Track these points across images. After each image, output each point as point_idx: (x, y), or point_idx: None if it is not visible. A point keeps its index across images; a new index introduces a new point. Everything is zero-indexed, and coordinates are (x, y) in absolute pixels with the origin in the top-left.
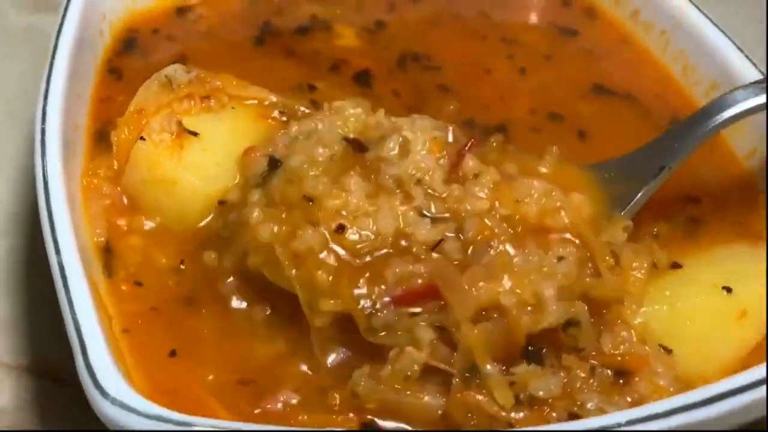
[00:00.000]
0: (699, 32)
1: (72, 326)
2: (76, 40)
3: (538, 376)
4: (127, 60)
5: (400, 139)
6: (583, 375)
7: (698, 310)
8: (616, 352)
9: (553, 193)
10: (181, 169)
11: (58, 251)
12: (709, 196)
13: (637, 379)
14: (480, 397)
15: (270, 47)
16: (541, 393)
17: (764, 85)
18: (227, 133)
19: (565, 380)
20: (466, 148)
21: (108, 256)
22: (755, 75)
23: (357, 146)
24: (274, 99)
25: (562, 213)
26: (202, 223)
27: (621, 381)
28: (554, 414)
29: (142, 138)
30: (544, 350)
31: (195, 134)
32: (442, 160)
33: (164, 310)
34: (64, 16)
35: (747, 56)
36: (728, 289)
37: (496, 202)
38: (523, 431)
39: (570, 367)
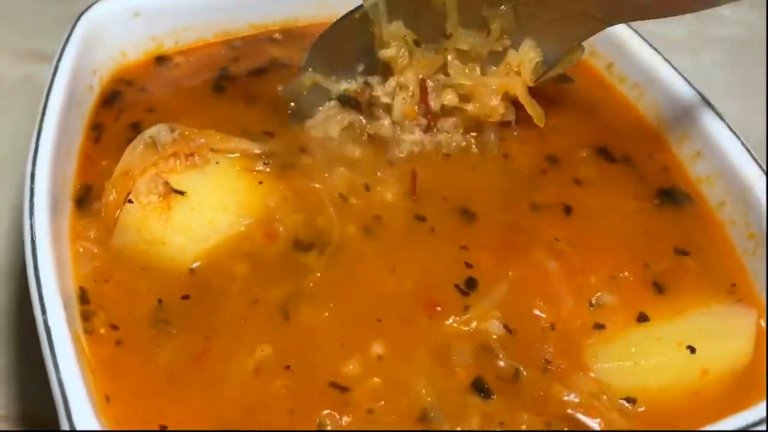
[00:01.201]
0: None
1: (57, 387)
2: (66, 97)
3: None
4: (105, 115)
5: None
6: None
7: (662, 367)
8: (572, 401)
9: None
10: (170, 231)
11: (44, 311)
12: (699, 252)
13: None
14: None
15: (231, 93)
16: None
17: None
18: (213, 188)
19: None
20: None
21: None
22: (721, 127)
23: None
24: (257, 150)
25: None
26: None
27: None
28: None
29: (130, 201)
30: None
31: (182, 193)
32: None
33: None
34: (55, 72)
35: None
36: (692, 349)
37: None
38: None
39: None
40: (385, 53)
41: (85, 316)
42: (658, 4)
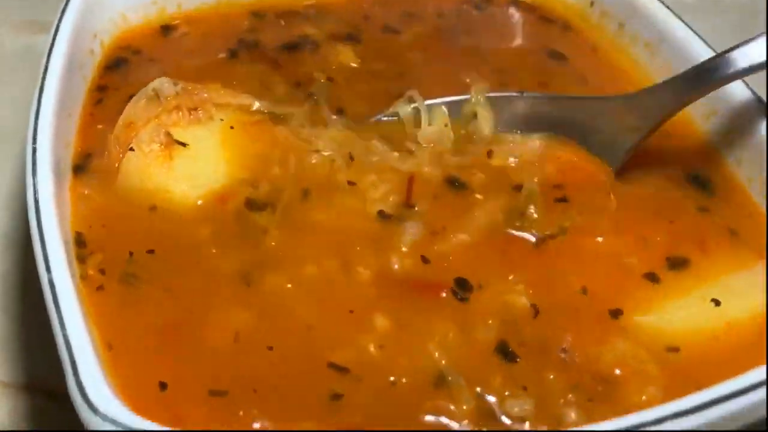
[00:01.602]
0: (684, 45)
1: (63, 343)
2: (67, 60)
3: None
4: (114, 80)
5: None
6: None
7: (690, 319)
8: (603, 359)
9: None
10: (172, 180)
11: (48, 269)
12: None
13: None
14: None
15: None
16: (516, 410)
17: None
18: (216, 143)
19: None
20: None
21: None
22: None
23: None
24: (260, 105)
25: None
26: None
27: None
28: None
29: (131, 149)
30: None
31: (184, 145)
32: None
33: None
34: (55, 36)
35: None
36: (716, 302)
37: None
38: None
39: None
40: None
41: (81, 259)
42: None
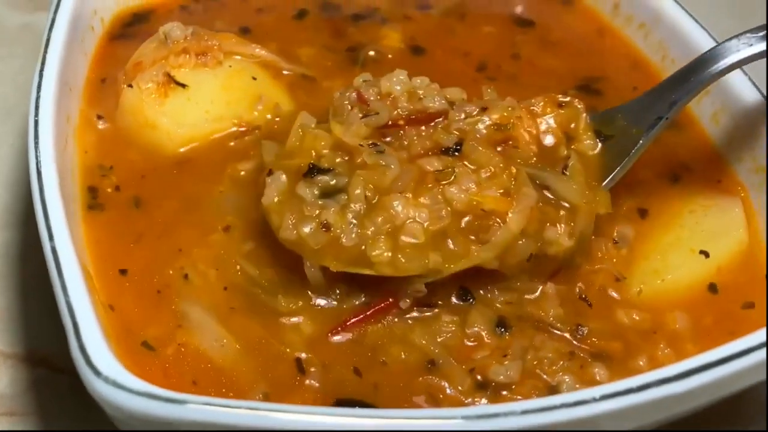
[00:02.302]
0: (677, 25)
1: (65, 308)
2: (67, 36)
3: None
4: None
5: None
6: (550, 355)
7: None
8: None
9: None
10: (160, 115)
11: (51, 237)
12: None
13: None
14: None
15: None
16: (501, 378)
17: (760, 34)
18: (218, 87)
19: (535, 362)
20: None
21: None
22: None
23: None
24: (280, 62)
25: None
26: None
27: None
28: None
29: (129, 86)
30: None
31: (183, 86)
32: None
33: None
34: (55, 12)
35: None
36: (706, 254)
37: None
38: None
39: (540, 347)
40: None
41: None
42: None
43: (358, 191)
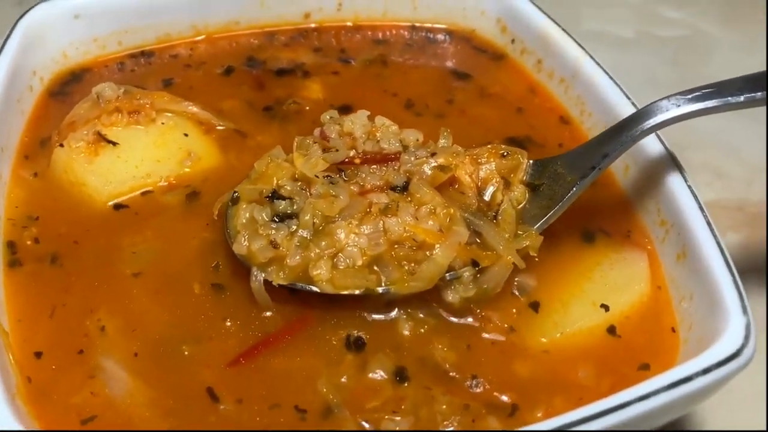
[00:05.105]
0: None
1: None
2: (3, 97)
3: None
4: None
5: None
6: (444, 407)
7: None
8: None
9: None
10: (89, 173)
11: None
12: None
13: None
14: None
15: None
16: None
17: (688, 96)
18: (149, 144)
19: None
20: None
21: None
22: None
23: None
24: (211, 119)
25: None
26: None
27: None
28: None
29: (61, 145)
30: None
31: (114, 143)
32: None
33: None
34: None
35: (633, 103)
36: (606, 307)
37: None
38: None
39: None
40: None
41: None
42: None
43: (307, 218)
